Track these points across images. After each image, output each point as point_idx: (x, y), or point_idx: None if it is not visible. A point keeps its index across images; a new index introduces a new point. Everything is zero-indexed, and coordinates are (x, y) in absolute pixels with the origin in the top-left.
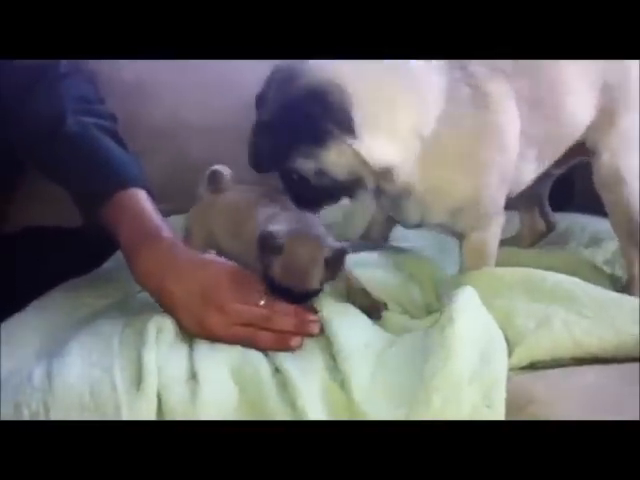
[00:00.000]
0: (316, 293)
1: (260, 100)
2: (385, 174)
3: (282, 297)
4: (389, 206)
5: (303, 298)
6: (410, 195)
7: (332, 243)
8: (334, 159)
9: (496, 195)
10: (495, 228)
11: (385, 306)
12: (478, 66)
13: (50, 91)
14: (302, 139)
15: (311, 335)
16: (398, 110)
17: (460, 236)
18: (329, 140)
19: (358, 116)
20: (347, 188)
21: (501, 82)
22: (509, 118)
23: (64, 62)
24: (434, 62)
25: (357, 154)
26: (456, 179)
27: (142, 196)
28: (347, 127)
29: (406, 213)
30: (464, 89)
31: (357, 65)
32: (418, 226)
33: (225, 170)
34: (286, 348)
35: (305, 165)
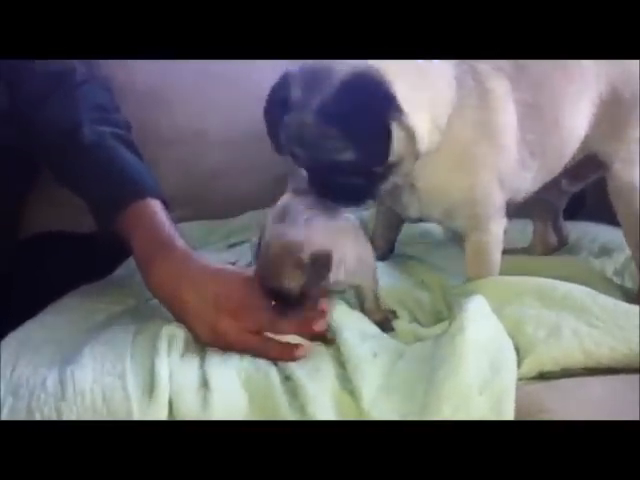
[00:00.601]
0: (291, 295)
1: (286, 105)
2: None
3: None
4: (390, 198)
5: (275, 293)
6: (413, 189)
7: (314, 247)
8: (395, 136)
9: (492, 195)
10: (496, 230)
11: (394, 313)
12: (482, 64)
13: (66, 100)
14: (355, 127)
15: (318, 333)
16: (422, 100)
17: (461, 238)
18: (388, 119)
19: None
20: (390, 168)
21: (502, 82)
22: (507, 119)
23: (81, 70)
24: None
25: (409, 129)
26: (453, 175)
27: (157, 206)
28: (395, 105)
29: (406, 207)
30: (470, 82)
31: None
32: (419, 220)
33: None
34: (290, 358)
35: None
